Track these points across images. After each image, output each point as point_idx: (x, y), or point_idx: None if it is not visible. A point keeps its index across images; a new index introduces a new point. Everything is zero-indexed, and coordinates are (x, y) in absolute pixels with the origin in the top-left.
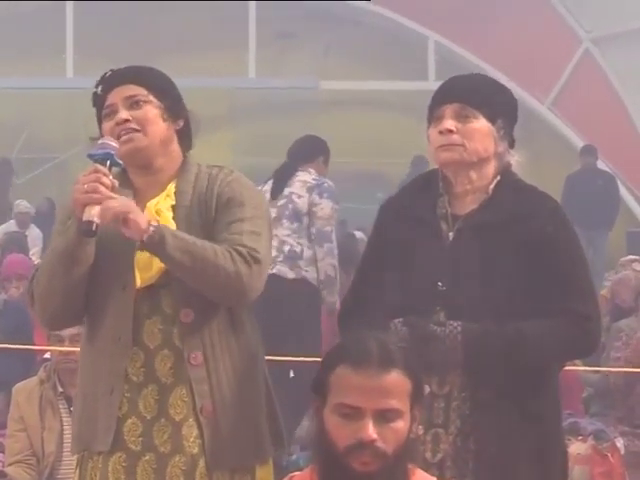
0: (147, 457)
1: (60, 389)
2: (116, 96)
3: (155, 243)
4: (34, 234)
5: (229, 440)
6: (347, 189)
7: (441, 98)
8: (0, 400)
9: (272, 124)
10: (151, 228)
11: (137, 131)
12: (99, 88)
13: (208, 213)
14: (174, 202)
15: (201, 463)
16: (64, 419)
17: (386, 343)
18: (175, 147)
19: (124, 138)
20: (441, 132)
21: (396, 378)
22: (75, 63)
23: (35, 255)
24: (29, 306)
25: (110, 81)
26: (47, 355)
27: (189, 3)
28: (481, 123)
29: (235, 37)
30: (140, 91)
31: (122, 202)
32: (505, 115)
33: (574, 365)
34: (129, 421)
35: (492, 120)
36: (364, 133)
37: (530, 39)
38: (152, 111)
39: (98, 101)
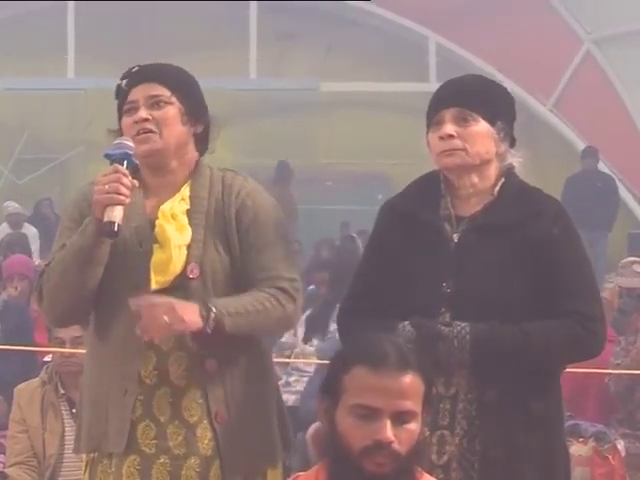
0: (162, 460)
1: (62, 391)
2: (139, 93)
3: (215, 332)
4: (30, 233)
5: (243, 446)
6: (347, 191)
7: (439, 103)
8: (1, 401)
9: (272, 125)
10: (211, 322)
11: (153, 132)
12: (124, 82)
13: (228, 225)
14: (189, 206)
15: (215, 465)
16: (65, 421)
17: (400, 345)
18: (190, 150)
19: (140, 137)
20: (441, 137)
21: (412, 380)
22: (76, 64)
23: (35, 254)
24: (37, 302)
25: (136, 77)
26: (47, 357)
27: (190, 3)
28: (481, 126)
29: (236, 38)
30: (163, 91)
31: (166, 307)
32: (504, 115)
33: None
34: (142, 424)
35: (492, 122)
36: (365, 134)
37: (531, 40)
38: (172, 113)
39: (121, 94)
